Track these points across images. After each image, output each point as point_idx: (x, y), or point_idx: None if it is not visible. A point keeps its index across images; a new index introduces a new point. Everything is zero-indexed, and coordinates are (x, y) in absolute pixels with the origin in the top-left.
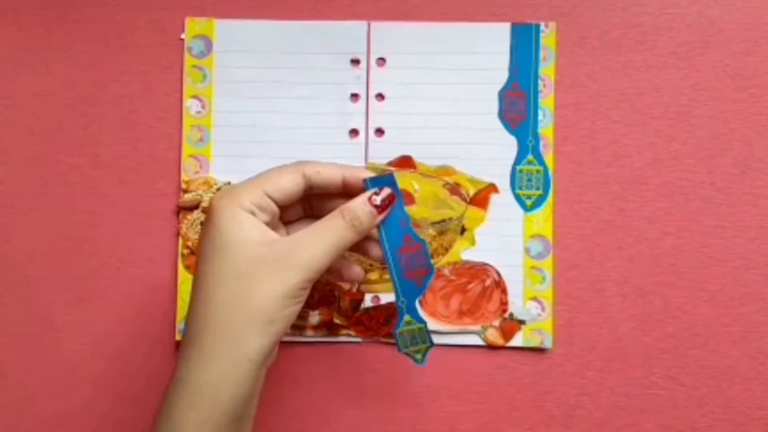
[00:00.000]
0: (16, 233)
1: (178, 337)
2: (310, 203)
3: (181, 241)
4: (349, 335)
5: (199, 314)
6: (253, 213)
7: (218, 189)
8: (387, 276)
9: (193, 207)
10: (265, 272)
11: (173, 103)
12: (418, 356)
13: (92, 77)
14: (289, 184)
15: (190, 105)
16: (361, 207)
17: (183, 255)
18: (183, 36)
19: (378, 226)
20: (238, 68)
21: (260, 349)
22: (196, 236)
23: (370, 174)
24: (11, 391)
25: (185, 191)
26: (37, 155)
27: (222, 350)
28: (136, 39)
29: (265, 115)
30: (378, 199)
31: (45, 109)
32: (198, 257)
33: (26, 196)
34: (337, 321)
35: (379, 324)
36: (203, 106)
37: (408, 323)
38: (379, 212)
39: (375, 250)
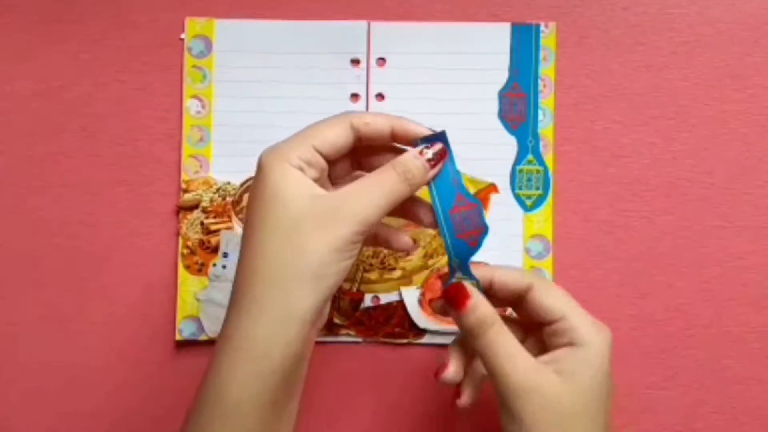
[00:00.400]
0: (16, 233)
1: (178, 337)
2: (358, 159)
3: (181, 240)
4: (349, 335)
5: (247, 268)
6: (301, 169)
7: (218, 189)
8: (387, 276)
9: (193, 207)
10: (314, 226)
11: (173, 103)
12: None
13: (92, 77)
14: (337, 138)
15: (190, 105)
16: (412, 160)
17: (183, 255)
18: (183, 36)
19: (429, 184)
20: (238, 68)
21: (310, 307)
22: (196, 236)
23: (418, 127)
24: (11, 391)
25: (185, 191)
26: (37, 155)
27: (271, 307)
28: (136, 39)
29: (265, 115)
30: (430, 153)
31: (45, 109)
32: (247, 212)
33: (26, 196)
34: (337, 321)
35: (379, 324)
36: (203, 106)
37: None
38: (432, 166)
39: (426, 216)
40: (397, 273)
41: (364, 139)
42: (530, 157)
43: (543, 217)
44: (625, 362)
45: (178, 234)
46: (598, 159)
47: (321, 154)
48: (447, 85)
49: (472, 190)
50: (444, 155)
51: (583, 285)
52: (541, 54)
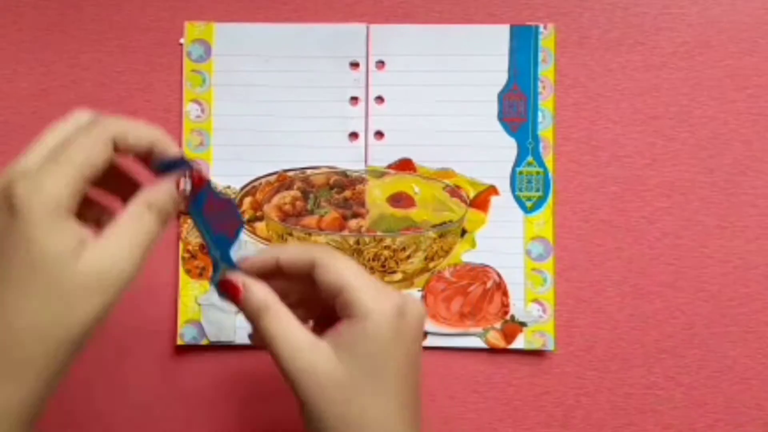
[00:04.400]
0: None
1: (179, 341)
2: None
3: (181, 245)
4: None
5: None
6: (70, 210)
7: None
8: (388, 279)
9: None
10: (82, 296)
11: (173, 107)
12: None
13: (92, 77)
14: (100, 158)
15: (190, 109)
16: (165, 197)
17: (184, 259)
18: (182, 41)
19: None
20: (237, 72)
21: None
22: (197, 240)
23: (172, 148)
24: None
25: None
26: None
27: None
28: (135, 42)
29: (264, 119)
30: (186, 184)
31: (45, 109)
32: None
33: None
34: None
35: None
36: (203, 110)
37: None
38: (188, 198)
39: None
40: (398, 276)
41: (121, 154)
42: (530, 159)
43: (543, 219)
44: (625, 362)
45: (178, 238)
46: (598, 159)
47: (87, 182)
48: (446, 87)
49: (472, 193)
50: (201, 182)
51: (583, 285)
52: (541, 55)
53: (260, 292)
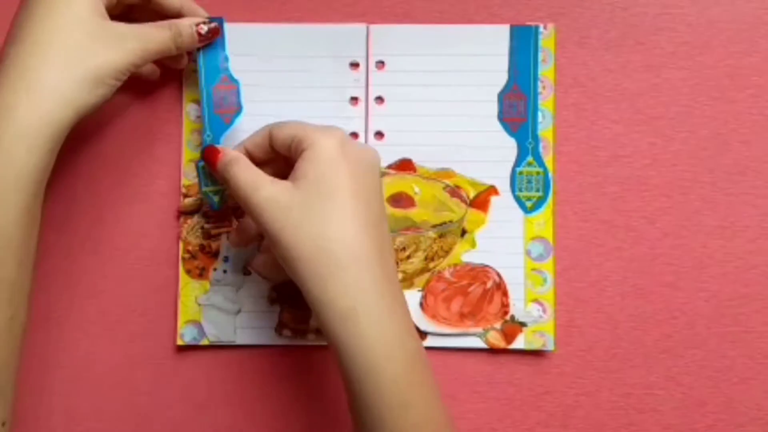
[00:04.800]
0: None
1: (179, 342)
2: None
3: (181, 245)
4: None
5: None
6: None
7: None
8: None
9: (194, 211)
10: (100, 47)
11: (174, 104)
12: (216, 198)
13: None
14: None
15: (190, 110)
16: (186, 27)
17: (184, 259)
18: None
19: (197, 57)
20: (236, 72)
21: (62, 120)
22: (196, 240)
23: (200, 9)
24: None
25: (185, 196)
26: None
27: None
28: None
29: (264, 119)
30: (204, 28)
31: None
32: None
33: None
34: None
35: None
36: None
37: None
38: (200, 40)
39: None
40: (398, 276)
41: (154, 2)
42: (530, 159)
43: (543, 219)
44: (625, 362)
45: (179, 238)
46: (598, 159)
47: None
48: (446, 87)
49: (472, 193)
50: (216, 33)
51: (583, 285)
52: (540, 55)
53: (232, 152)
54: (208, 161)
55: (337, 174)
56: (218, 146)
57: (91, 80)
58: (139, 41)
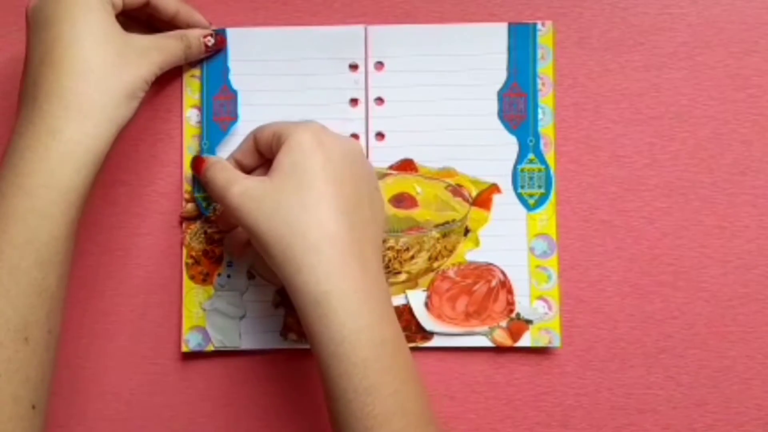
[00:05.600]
0: None
1: (184, 348)
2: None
3: (185, 251)
4: None
5: (62, 64)
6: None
7: None
8: (392, 279)
9: (196, 217)
10: (129, 60)
11: (174, 103)
12: (204, 203)
13: None
14: None
15: (190, 115)
16: (195, 39)
17: (187, 265)
18: None
19: (201, 68)
20: (235, 76)
21: (105, 135)
22: (200, 246)
23: (203, 20)
24: None
25: (188, 201)
26: None
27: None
28: None
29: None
30: (211, 41)
31: None
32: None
33: None
34: None
35: None
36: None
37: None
38: (206, 51)
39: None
40: (402, 276)
41: (151, 7)
42: (531, 156)
43: (546, 215)
44: (625, 362)
45: (182, 244)
46: (598, 159)
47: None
48: (446, 86)
49: (474, 191)
50: (221, 46)
51: (584, 285)
52: (539, 52)
53: (213, 158)
54: (195, 171)
55: (311, 161)
56: (203, 156)
57: (126, 95)
58: (159, 53)
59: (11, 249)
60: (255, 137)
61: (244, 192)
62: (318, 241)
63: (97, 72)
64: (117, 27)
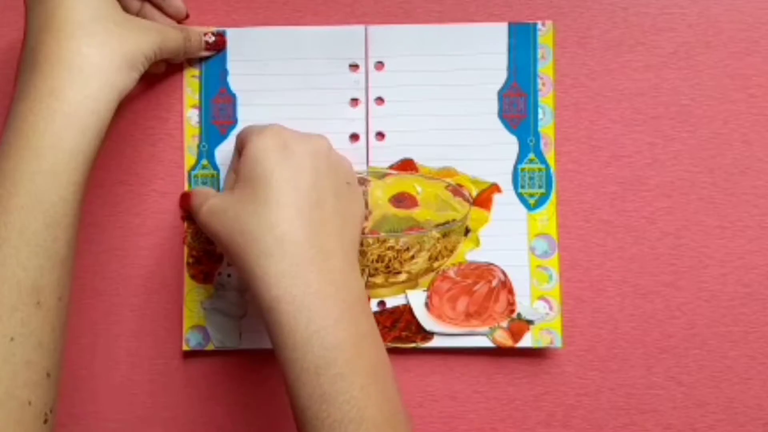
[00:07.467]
0: None
1: (185, 347)
2: None
3: (186, 250)
4: None
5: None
6: None
7: None
8: (392, 279)
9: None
10: (128, 32)
11: (174, 103)
12: None
13: None
14: None
15: (191, 115)
16: (196, 34)
17: (188, 264)
18: None
19: (200, 69)
20: (236, 77)
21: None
22: (201, 245)
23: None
24: None
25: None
26: None
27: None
28: None
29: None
30: (211, 38)
31: None
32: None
33: None
34: None
35: (386, 329)
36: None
37: (204, 167)
38: (206, 48)
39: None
40: (403, 276)
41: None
42: (531, 155)
43: (547, 215)
44: (625, 362)
45: (183, 243)
46: (598, 159)
47: None
48: (446, 86)
49: (474, 191)
50: (221, 45)
51: (584, 285)
52: (539, 52)
53: (196, 188)
54: (184, 209)
55: (266, 165)
56: (189, 191)
57: (127, 63)
58: (159, 34)
59: (20, 210)
60: (235, 143)
61: (209, 208)
62: (269, 246)
63: (97, 37)
64: (117, 3)
